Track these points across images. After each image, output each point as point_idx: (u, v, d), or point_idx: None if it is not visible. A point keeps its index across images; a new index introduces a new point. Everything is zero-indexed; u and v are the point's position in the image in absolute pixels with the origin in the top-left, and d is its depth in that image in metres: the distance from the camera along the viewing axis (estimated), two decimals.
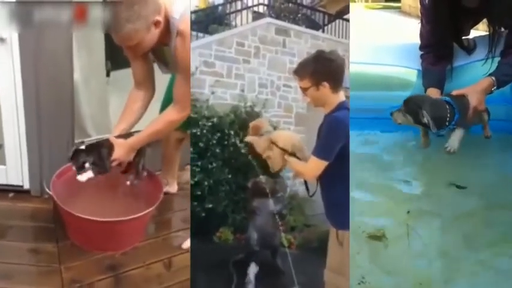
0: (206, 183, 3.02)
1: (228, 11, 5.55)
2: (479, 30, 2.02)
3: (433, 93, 1.81)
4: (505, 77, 1.76)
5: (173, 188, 2.19)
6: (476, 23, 2.01)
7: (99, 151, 1.68)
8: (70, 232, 1.82)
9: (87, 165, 1.68)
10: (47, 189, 1.78)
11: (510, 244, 1.44)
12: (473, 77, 1.82)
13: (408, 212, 1.56)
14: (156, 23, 1.45)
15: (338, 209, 1.40)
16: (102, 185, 1.78)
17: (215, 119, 3.23)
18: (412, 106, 1.66)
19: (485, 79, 1.74)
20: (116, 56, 1.60)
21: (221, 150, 3.16)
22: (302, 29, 4.95)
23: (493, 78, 1.73)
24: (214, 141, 3.14)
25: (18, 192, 2.07)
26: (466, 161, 1.80)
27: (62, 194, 1.76)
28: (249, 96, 3.93)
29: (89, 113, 2.13)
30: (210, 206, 3.02)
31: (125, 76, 1.78)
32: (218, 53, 4.11)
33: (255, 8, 5.61)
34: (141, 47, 1.49)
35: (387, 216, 1.57)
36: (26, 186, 2.08)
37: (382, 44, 2.35)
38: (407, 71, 2.02)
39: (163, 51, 1.60)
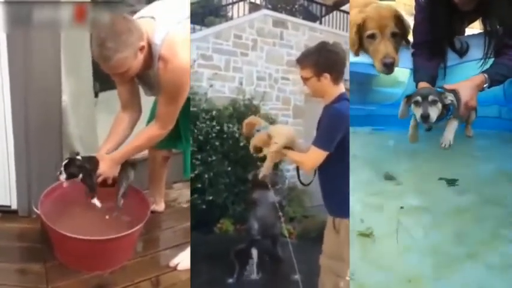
0: (206, 175, 3.07)
1: (224, 3, 5.53)
2: (475, 29, 2.00)
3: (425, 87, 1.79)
4: (498, 76, 1.76)
5: (160, 206, 2.20)
6: (472, 22, 2.00)
7: (90, 171, 1.71)
8: (58, 252, 1.80)
9: (77, 179, 1.70)
10: (35, 209, 1.77)
11: (501, 240, 1.44)
12: (466, 76, 1.81)
13: (402, 207, 1.56)
14: (141, 48, 1.53)
15: (336, 198, 1.43)
16: (90, 205, 1.78)
17: (214, 112, 3.26)
18: (434, 94, 1.65)
19: (477, 76, 1.75)
20: (104, 77, 1.64)
21: (220, 143, 3.19)
22: (299, 20, 4.94)
23: (486, 75, 1.73)
24: (214, 135, 3.18)
25: (5, 212, 2.05)
26: (458, 157, 1.78)
27: (50, 213, 1.75)
28: (247, 89, 3.95)
29: (77, 134, 2.12)
30: (211, 198, 3.07)
31: (113, 97, 1.82)
32: (216, 46, 4.11)
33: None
34: (129, 73, 1.56)
35: (378, 212, 1.56)
36: (14, 206, 2.05)
37: None
38: (399, 70, 1.98)
39: (148, 75, 1.66)
